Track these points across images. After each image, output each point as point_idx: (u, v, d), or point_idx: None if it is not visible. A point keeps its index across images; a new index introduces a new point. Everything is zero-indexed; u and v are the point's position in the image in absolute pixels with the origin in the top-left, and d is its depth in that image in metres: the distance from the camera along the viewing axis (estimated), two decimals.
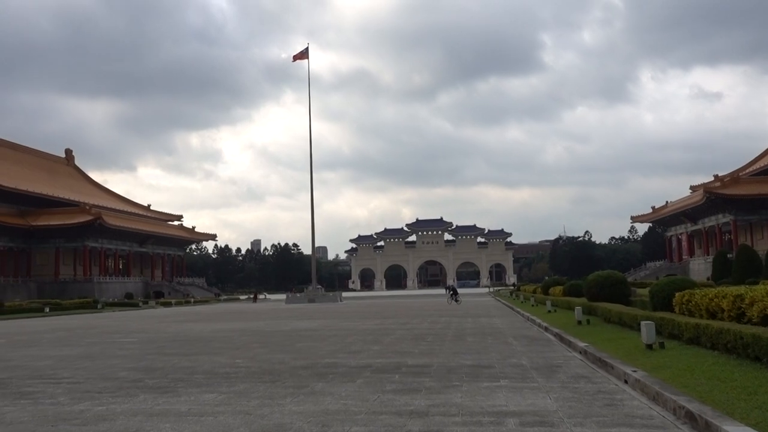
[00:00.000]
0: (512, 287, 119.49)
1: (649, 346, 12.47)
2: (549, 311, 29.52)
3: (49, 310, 56.04)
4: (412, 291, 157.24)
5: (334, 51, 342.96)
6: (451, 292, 52.84)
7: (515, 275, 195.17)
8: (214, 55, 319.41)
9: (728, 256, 70.25)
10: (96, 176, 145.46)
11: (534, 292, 49.51)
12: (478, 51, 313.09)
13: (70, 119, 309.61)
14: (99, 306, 64.52)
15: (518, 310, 36.10)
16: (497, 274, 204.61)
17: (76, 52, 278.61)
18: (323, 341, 19.44)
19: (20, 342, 22.70)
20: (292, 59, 77.20)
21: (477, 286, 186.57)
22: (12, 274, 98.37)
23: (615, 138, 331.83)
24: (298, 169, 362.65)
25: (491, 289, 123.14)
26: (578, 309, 21.22)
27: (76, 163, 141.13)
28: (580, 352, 14.38)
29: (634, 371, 10.18)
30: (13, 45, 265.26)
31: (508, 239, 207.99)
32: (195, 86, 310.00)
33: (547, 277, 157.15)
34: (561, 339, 17.78)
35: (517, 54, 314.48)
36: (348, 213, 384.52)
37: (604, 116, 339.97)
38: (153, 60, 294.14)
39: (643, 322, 12.79)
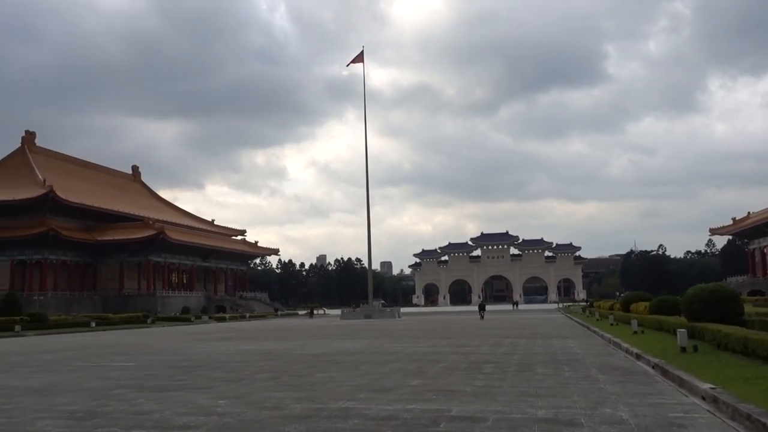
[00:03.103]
0: (583, 303, 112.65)
1: None
2: (635, 332, 24.62)
3: (96, 325, 54.39)
4: (477, 307, 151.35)
5: (394, 67, 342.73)
6: (480, 309, 59.01)
7: (584, 291, 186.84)
8: (277, 74, 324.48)
9: None
10: (166, 194, 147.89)
11: (611, 308, 44.09)
12: (539, 63, 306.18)
13: (141, 139, 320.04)
14: (149, 321, 62.72)
15: (595, 329, 31.20)
16: (565, 289, 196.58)
17: (145, 75, 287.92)
18: (352, 371, 15.46)
19: (6, 365, 19.69)
20: (347, 65, 74.64)
21: (545, 301, 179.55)
22: (78, 288, 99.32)
23: (684, 149, 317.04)
24: (361, 185, 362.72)
25: (560, 305, 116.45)
26: (682, 332, 16.43)
27: (147, 180, 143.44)
28: (705, 399, 9.88)
29: None
30: (86, 69, 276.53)
31: (577, 253, 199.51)
32: (259, 105, 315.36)
33: (618, 293, 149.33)
34: (665, 374, 13.20)
35: (580, 65, 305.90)
36: (411, 228, 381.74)
37: (672, 127, 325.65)
38: (218, 80, 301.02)
39: None
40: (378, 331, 37.88)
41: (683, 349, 15.93)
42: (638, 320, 26.03)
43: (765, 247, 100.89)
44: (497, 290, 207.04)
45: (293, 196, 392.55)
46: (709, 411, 9.16)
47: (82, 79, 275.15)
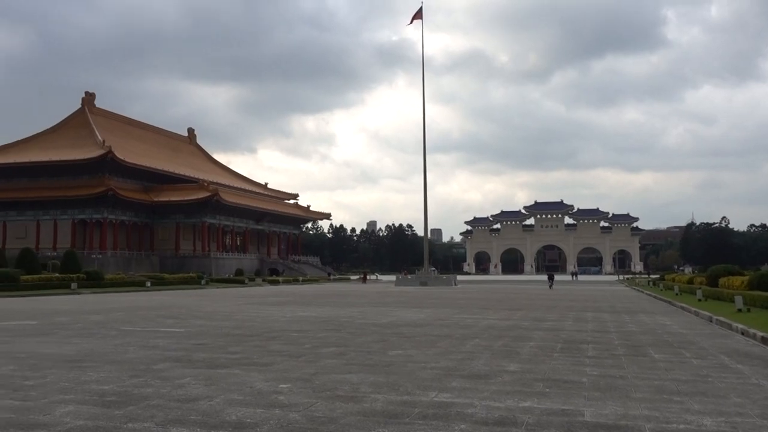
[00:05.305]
0: (645, 275, 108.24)
1: None
2: (739, 310, 21.74)
3: (151, 285, 54.02)
4: (530, 276, 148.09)
5: (445, 33, 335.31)
6: (549, 279, 59.52)
7: (641, 263, 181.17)
8: (327, 40, 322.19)
9: None
10: (220, 158, 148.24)
11: (691, 282, 40.77)
12: (594, 28, 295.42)
13: (195, 103, 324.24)
14: (203, 282, 62.26)
15: (681, 305, 28.29)
16: (620, 260, 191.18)
17: (199, 40, 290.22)
18: (429, 347, 13.30)
19: (48, 326, 18.32)
20: (408, 23, 71.17)
21: (599, 273, 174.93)
22: (136, 248, 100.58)
23: (745, 119, 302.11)
24: (411, 152, 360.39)
25: (621, 277, 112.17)
26: None
27: (202, 144, 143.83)
28: None
29: None
30: (143, 34, 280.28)
31: (634, 224, 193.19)
32: (309, 70, 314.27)
33: (677, 266, 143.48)
34: None
35: (637, 31, 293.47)
36: (461, 196, 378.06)
37: (732, 95, 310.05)
38: (269, 45, 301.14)
39: None
40: (438, 299, 35.75)
41: None
42: (744, 297, 23.00)
43: None
44: (550, 260, 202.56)
45: (343, 162, 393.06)
46: None
47: (138, 44, 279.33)
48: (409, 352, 12.41)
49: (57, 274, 52.20)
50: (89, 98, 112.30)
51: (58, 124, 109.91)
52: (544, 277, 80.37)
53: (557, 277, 68.99)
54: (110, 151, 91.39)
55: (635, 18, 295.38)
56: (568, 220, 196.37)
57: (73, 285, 46.26)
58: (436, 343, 14.11)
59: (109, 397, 7.89)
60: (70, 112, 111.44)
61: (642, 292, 48.49)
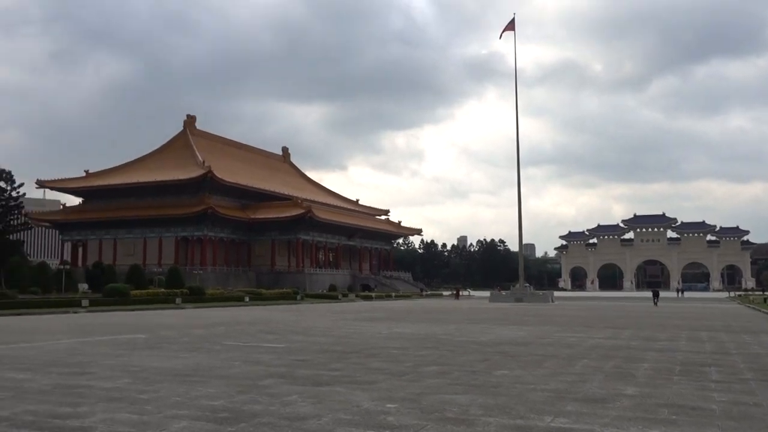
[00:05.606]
0: (758, 292, 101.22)
1: None
2: None
3: (249, 300, 55.68)
4: (630, 293, 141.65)
5: (536, 44, 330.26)
6: (654, 296, 58.43)
7: (753, 278, 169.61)
8: (416, 56, 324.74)
9: None
10: (312, 175, 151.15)
11: None
12: (696, 32, 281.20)
13: (288, 123, 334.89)
14: (298, 297, 63.55)
15: None
16: (729, 276, 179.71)
17: (291, 61, 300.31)
18: (536, 368, 12.71)
19: (156, 339, 19.05)
20: (500, 36, 70.46)
21: (705, 289, 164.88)
22: (234, 264, 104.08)
23: None
24: (501, 166, 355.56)
25: (731, 294, 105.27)
26: None
27: (295, 162, 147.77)
28: None
29: None
30: (238, 58, 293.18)
31: (745, 238, 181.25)
32: (399, 87, 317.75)
33: None
34: None
35: (744, 33, 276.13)
36: (554, 210, 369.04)
37: None
38: (359, 63, 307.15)
39: None
40: (536, 316, 34.65)
41: None
42: None
43: None
44: (651, 276, 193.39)
45: (432, 177, 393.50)
46: None
47: (235, 67, 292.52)
48: (515, 373, 11.91)
49: (162, 289, 54.82)
50: (190, 121, 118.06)
51: (162, 146, 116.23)
52: (646, 294, 76.71)
53: (661, 294, 65.53)
54: (210, 171, 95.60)
55: (741, 20, 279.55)
56: (670, 234, 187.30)
57: (178, 300, 48.37)
58: (543, 363, 13.50)
59: (221, 413, 7.94)
60: (173, 135, 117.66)
61: (759, 310, 45.19)
